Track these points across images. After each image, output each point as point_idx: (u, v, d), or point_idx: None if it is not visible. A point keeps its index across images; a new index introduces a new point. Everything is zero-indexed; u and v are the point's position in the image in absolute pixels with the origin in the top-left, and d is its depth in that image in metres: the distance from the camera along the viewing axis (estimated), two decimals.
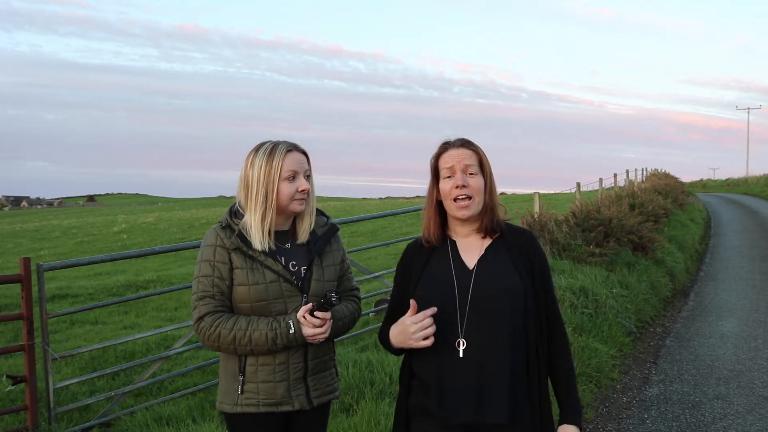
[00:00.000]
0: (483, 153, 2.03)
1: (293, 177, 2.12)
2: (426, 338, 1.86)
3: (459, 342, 1.93)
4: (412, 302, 1.89)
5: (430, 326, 1.85)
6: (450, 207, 1.99)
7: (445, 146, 2.03)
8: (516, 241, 2.03)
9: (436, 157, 2.04)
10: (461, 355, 1.92)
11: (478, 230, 2.02)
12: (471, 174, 1.98)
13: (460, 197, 1.96)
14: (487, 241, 2.03)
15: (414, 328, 1.85)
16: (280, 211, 2.15)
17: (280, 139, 2.19)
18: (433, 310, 1.86)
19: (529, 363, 1.96)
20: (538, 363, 1.97)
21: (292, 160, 2.12)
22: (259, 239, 2.10)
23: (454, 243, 2.05)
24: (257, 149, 2.15)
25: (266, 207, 2.11)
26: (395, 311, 2.07)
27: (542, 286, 2.01)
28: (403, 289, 2.08)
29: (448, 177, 1.98)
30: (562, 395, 2.01)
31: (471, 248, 2.03)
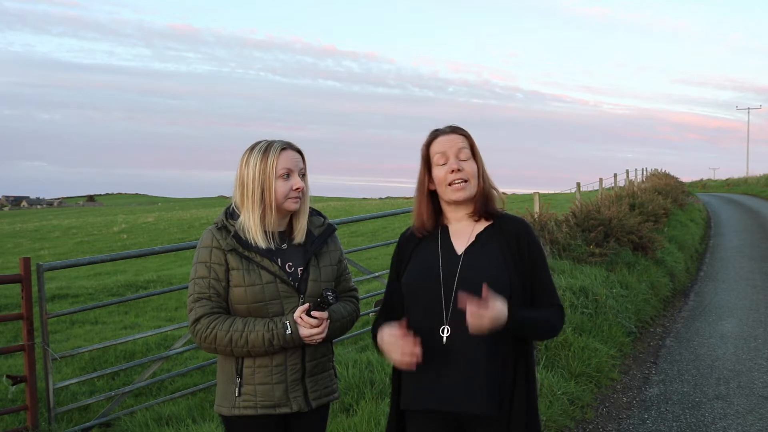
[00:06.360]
0: (473, 138, 2.05)
1: (288, 175, 2.12)
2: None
3: (444, 329, 1.93)
4: (401, 323, 1.89)
5: (415, 356, 1.85)
6: (445, 192, 2.00)
7: (436, 133, 2.05)
8: (507, 228, 2.02)
9: (427, 145, 2.05)
10: (444, 342, 1.92)
11: (471, 214, 2.03)
12: (464, 159, 2.00)
13: (456, 181, 1.98)
14: (480, 227, 2.04)
15: (400, 358, 1.86)
16: (276, 209, 2.14)
17: (276, 138, 2.19)
18: (418, 348, 1.84)
19: (516, 353, 1.95)
20: (525, 353, 1.96)
21: (287, 158, 2.13)
22: (261, 237, 2.10)
23: (446, 229, 2.06)
24: (252, 148, 2.15)
25: (264, 206, 2.11)
26: (388, 300, 2.13)
27: (531, 275, 1.98)
28: (396, 277, 2.12)
29: (442, 164, 2.00)
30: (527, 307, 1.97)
31: (462, 234, 2.04)
